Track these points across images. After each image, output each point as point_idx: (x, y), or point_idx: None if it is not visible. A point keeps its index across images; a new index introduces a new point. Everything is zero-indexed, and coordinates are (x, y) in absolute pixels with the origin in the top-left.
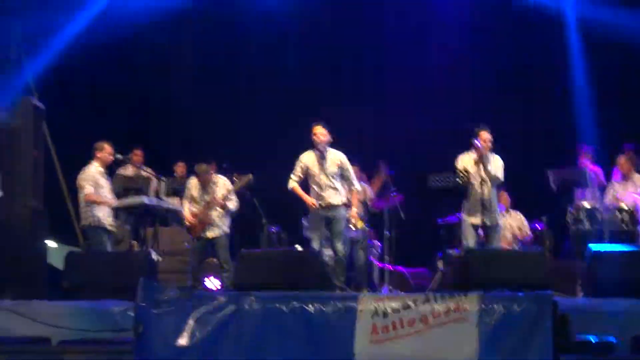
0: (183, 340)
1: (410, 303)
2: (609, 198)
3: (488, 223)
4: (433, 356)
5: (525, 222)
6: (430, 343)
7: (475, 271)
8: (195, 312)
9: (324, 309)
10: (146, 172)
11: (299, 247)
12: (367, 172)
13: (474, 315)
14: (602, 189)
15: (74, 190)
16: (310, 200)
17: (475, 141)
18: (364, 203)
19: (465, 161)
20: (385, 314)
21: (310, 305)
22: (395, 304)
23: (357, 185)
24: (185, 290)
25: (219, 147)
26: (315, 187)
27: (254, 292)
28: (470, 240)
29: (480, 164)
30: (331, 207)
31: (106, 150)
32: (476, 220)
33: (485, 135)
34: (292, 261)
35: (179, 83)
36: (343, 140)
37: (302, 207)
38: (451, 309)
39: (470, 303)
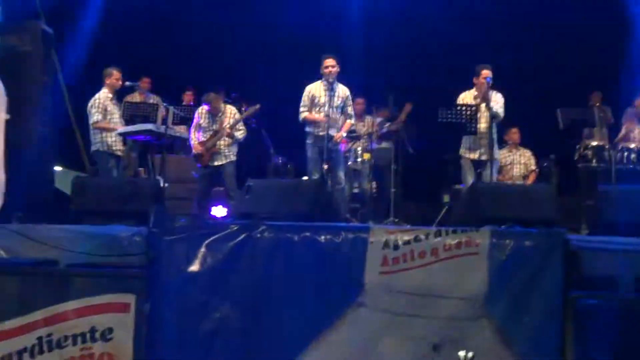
0: (194, 267)
1: (422, 236)
2: (619, 137)
3: (486, 158)
4: (443, 288)
5: (534, 159)
6: (440, 275)
7: (482, 206)
8: (207, 240)
9: (335, 240)
10: (154, 99)
11: (305, 178)
12: (375, 104)
13: (484, 249)
14: (611, 128)
15: (81, 116)
16: (321, 117)
17: (478, 78)
18: (369, 135)
19: (467, 98)
20: (396, 246)
21: (321, 236)
22: (406, 236)
23: (353, 120)
24: (197, 218)
25: (228, 76)
26: (318, 116)
27: (261, 219)
28: (469, 175)
29: (481, 101)
30: (331, 138)
31: (114, 76)
32: (475, 155)
33: (486, 73)
34: (299, 191)
35: (188, 10)
36: (352, 72)
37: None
38: (462, 242)
39: (482, 237)
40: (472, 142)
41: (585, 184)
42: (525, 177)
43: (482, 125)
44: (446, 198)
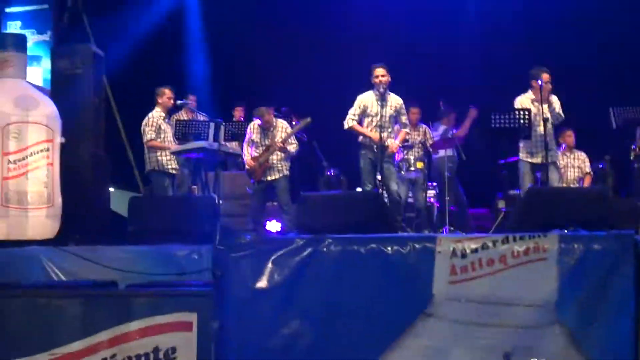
0: (262, 283)
1: (489, 243)
2: None
3: (548, 162)
4: (512, 296)
5: (588, 162)
6: (510, 283)
7: (539, 211)
8: (274, 255)
9: (402, 250)
10: (202, 116)
11: (359, 190)
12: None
13: (553, 255)
14: None
15: (133, 136)
16: (371, 133)
17: (538, 81)
18: (423, 143)
19: (524, 102)
20: (463, 255)
21: (388, 247)
22: (474, 244)
23: (408, 129)
24: (261, 234)
25: (278, 92)
26: (371, 128)
27: (330, 234)
28: (527, 180)
29: (540, 104)
30: (385, 148)
31: (167, 95)
32: (536, 160)
33: (547, 76)
34: (353, 203)
35: (236, 27)
36: (403, 83)
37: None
38: (530, 248)
39: (550, 242)
40: (532, 147)
41: None
42: (580, 180)
43: (540, 128)
44: (501, 204)
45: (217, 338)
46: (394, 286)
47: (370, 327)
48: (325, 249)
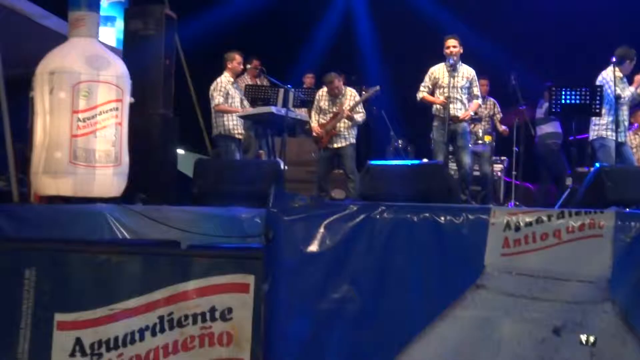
0: (313, 247)
1: (544, 217)
2: None
3: (622, 141)
4: (565, 271)
5: None
6: (563, 258)
7: (606, 189)
8: (326, 220)
9: (455, 221)
10: (261, 80)
11: (426, 161)
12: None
13: (609, 232)
14: None
15: (204, 99)
16: (440, 100)
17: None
18: (491, 117)
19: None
20: (517, 228)
21: (441, 217)
22: (528, 218)
23: (480, 101)
24: (316, 199)
25: (348, 60)
26: (441, 99)
27: (381, 201)
28: (609, 158)
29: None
30: (457, 120)
31: (236, 60)
32: (610, 138)
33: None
34: (419, 173)
35: None
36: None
37: (428, 120)
38: (586, 224)
39: (606, 219)
40: (609, 124)
41: None
42: None
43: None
44: (569, 181)
45: (267, 300)
46: (446, 256)
47: (420, 296)
48: (378, 216)
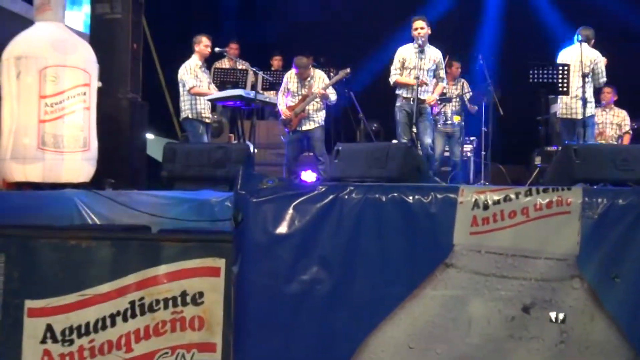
0: (282, 229)
1: (512, 195)
2: None
3: (584, 118)
4: (533, 248)
5: (628, 120)
6: (531, 235)
7: (574, 167)
8: (295, 201)
9: (424, 200)
10: (242, 65)
11: (395, 142)
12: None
13: (576, 208)
14: None
15: (172, 83)
16: (407, 79)
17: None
18: (461, 98)
19: (566, 57)
20: (485, 206)
21: (409, 196)
22: (496, 196)
23: (445, 83)
24: (284, 180)
25: (317, 41)
26: (407, 80)
27: (351, 183)
28: (567, 136)
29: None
30: (421, 101)
31: (203, 43)
32: (576, 116)
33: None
34: (388, 155)
35: None
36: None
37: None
38: (553, 201)
39: (574, 196)
40: (571, 102)
41: None
42: (619, 138)
43: (585, 86)
44: (537, 160)
45: (237, 282)
46: (415, 235)
47: (389, 276)
48: (346, 197)
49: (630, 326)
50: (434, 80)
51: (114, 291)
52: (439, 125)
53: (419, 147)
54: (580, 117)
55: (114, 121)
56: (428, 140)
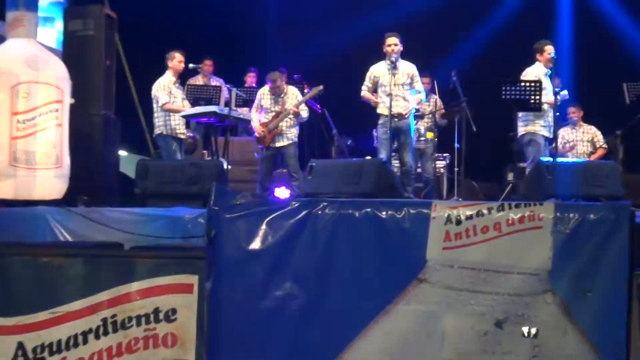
0: (255, 244)
1: (485, 210)
2: None
3: (552, 136)
4: (506, 263)
5: (599, 136)
6: (504, 250)
7: (546, 183)
8: (268, 217)
9: (397, 215)
10: (216, 81)
11: (368, 158)
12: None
13: (548, 223)
14: None
15: (145, 99)
16: (374, 100)
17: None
18: (433, 114)
19: (535, 74)
20: (458, 221)
21: (383, 212)
22: (469, 211)
23: (423, 96)
24: (257, 196)
25: (290, 58)
26: (384, 97)
27: (326, 198)
28: (541, 152)
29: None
30: (400, 117)
31: (177, 59)
32: (547, 133)
33: (550, 49)
34: (362, 171)
35: None
36: (414, 51)
37: (372, 119)
38: (525, 216)
39: (546, 211)
40: (544, 119)
41: None
42: (591, 154)
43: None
44: (510, 176)
45: (210, 299)
46: (388, 251)
47: (362, 291)
48: (320, 212)
49: (602, 340)
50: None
51: (86, 308)
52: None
53: (399, 164)
54: (543, 134)
55: (87, 138)
56: (408, 157)
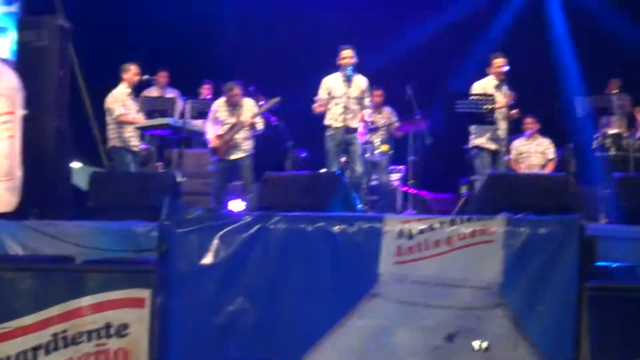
0: (207, 259)
1: (436, 225)
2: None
3: (501, 149)
4: (457, 277)
5: (552, 148)
6: (455, 264)
7: (499, 196)
8: (220, 232)
9: (349, 230)
10: (171, 93)
11: (323, 171)
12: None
13: (499, 237)
14: (630, 117)
15: (99, 111)
16: (317, 108)
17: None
18: (387, 126)
19: (487, 87)
20: (410, 235)
21: (335, 226)
22: (421, 226)
23: (370, 112)
24: (210, 210)
25: (246, 70)
26: (335, 109)
27: (279, 212)
28: (487, 166)
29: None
30: (350, 130)
31: (132, 71)
32: (494, 146)
33: (502, 61)
34: (316, 183)
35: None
36: (369, 64)
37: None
38: (477, 230)
39: (497, 225)
40: (492, 133)
41: (604, 172)
42: (543, 166)
43: (500, 116)
44: (463, 189)
45: (162, 314)
46: (341, 265)
47: (315, 306)
48: (272, 227)
49: (552, 353)
50: (360, 107)
51: (36, 323)
52: (367, 155)
53: (349, 176)
54: (490, 147)
55: (39, 149)
56: (359, 168)
